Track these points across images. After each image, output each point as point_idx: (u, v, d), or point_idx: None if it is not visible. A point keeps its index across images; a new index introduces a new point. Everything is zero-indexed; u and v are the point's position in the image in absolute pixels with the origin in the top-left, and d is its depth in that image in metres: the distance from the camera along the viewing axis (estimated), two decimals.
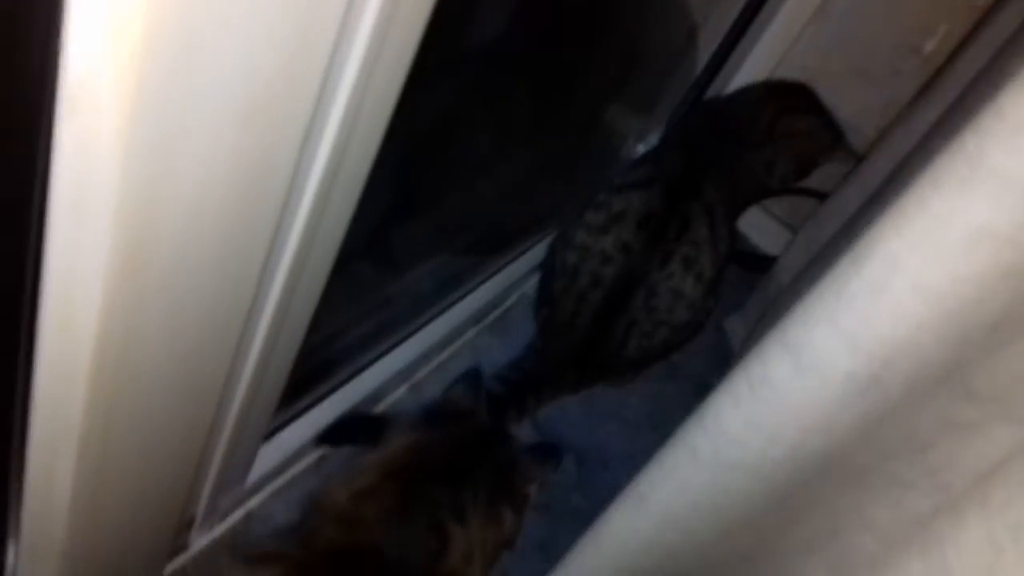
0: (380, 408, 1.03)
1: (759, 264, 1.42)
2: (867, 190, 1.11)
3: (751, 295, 1.37)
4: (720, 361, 1.27)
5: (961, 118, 0.77)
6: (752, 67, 1.42)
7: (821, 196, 1.35)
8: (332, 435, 0.94)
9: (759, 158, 1.24)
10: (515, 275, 1.22)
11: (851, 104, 1.39)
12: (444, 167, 1.16)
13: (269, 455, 0.89)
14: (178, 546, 0.86)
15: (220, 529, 0.90)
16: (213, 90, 0.39)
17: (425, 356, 1.08)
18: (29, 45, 0.37)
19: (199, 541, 0.88)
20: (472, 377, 0.91)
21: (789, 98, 1.31)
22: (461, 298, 1.13)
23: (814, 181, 1.37)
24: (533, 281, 1.24)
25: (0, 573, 0.68)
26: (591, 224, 1.09)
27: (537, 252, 1.25)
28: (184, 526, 0.85)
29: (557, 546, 0.79)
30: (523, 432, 1.08)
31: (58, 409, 0.53)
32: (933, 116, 1.06)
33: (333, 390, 0.95)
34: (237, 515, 0.91)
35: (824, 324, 0.49)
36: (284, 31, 0.40)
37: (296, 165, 0.50)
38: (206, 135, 0.41)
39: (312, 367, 0.93)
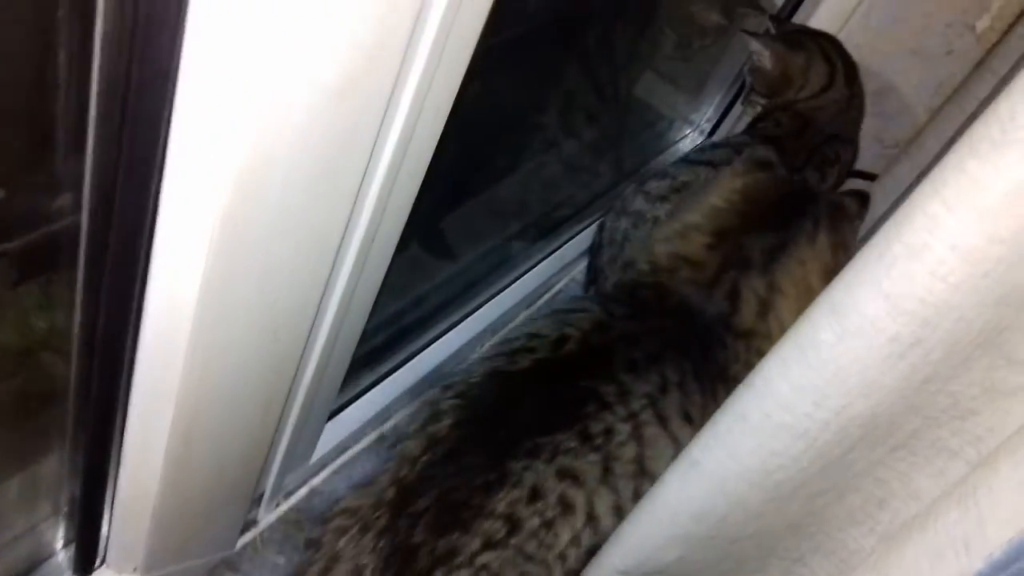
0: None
1: None
2: (917, 170, 1.13)
3: None
4: None
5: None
6: None
7: (872, 178, 1.36)
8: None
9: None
10: (565, 259, 1.27)
11: (904, 84, 1.40)
12: (492, 152, 1.20)
13: (332, 434, 0.94)
14: (248, 521, 0.92)
15: (286, 506, 0.95)
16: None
17: (478, 338, 1.13)
18: None
19: (267, 517, 0.93)
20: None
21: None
22: (513, 282, 1.18)
23: (865, 164, 1.39)
24: (582, 265, 1.28)
25: (95, 539, 0.74)
26: (651, 192, 1.11)
27: (585, 237, 1.29)
28: (254, 502, 0.91)
29: None
30: None
31: (156, 384, 0.58)
32: (984, 93, 1.08)
33: (391, 371, 1.00)
34: (302, 492, 0.96)
35: (868, 286, 0.52)
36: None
37: (370, 151, 0.54)
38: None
39: (371, 350, 0.98)
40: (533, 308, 1.22)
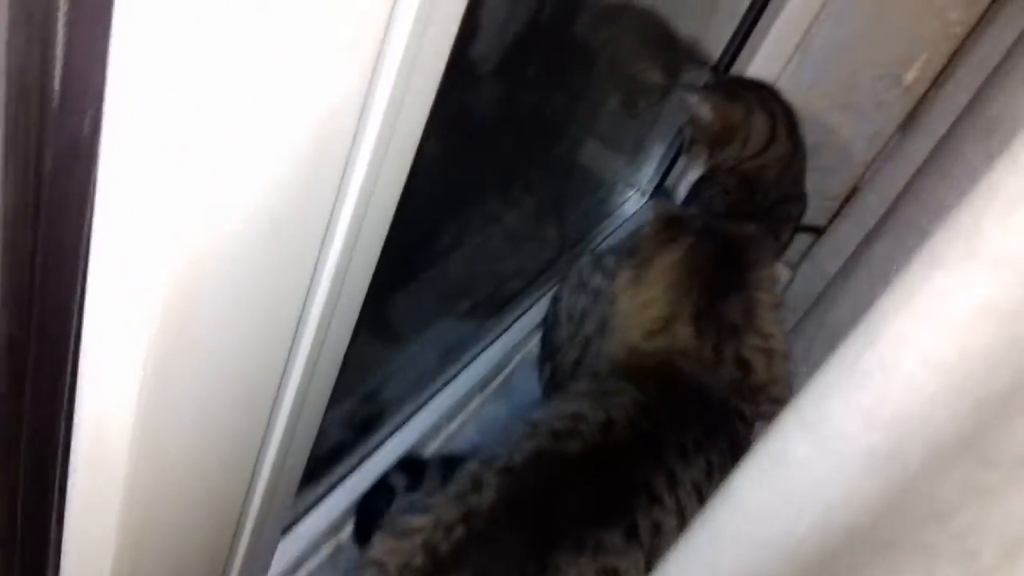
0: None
1: None
2: (863, 227, 1.14)
3: None
4: None
5: (956, 172, 0.80)
6: None
7: (818, 231, 1.38)
8: (360, 533, 0.96)
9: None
10: (516, 337, 1.24)
11: (837, 138, 1.42)
12: (433, 230, 1.17)
13: (287, 550, 0.90)
14: None
15: None
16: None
17: (431, 432, 1.09)
18: None
19: None
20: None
21: None
22: (464, 367, 1.15)
23: (808, 216, 1.40)
24: (533, 342, 1.25)
25: None
26: (608, 267, 1.10)
27: (536, 311, 1.27)
28: None
29: None
30: None
31: (91, 528, 0.54)
32: (924, 150, 1.09)
33: (343, 478, 0.96)
34: None
35: (840, 400, 0.51)
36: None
37: (310, 275, 0.52)
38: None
39: (321, 458, 0.94)
40: (488, 390, 1.19)
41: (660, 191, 1.39)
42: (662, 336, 0.94)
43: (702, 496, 0.79)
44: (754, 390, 0.92)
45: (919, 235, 0.89)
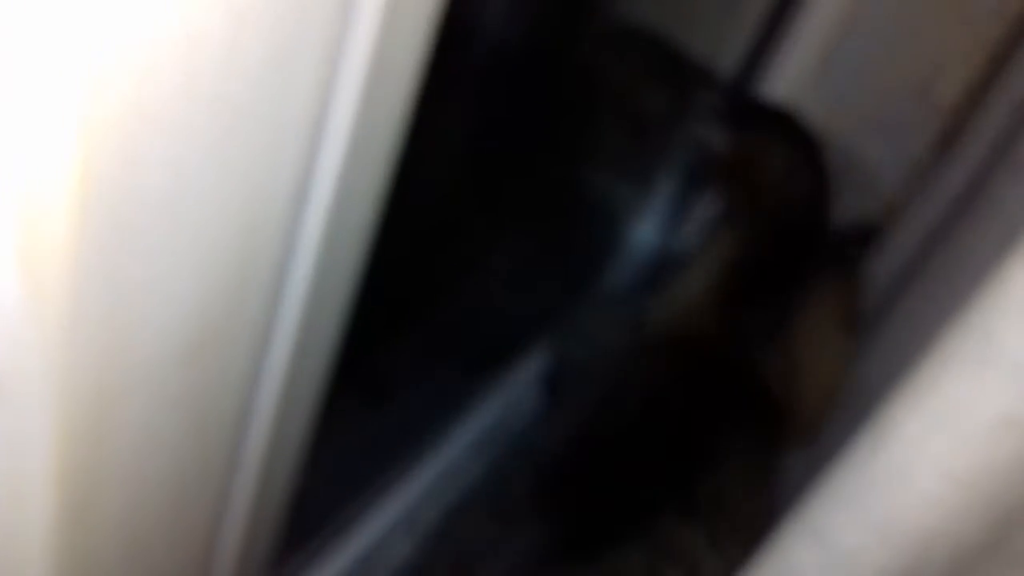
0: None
1: None
2: (892, 267, 1.12)
3: None
4: None
5: (990, 218, 0.78)
6: None
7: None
8: None
9: None
10: (514, 392, 1.23)
11: (865, 159, 1.40)
12: (428, 277, 1.16)
13: None
14: None
15: None
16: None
17: (429, 499, 1.08)
18: None
19: None
20: None
21: None
22: (458, 425, 1.13)
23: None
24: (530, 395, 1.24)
25: None
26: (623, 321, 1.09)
27: (535, 361, 1.26)
28: None
29: None
30: None
31: None
32: (958, 181, 1.07)
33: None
34: None
35: (849, 513, 0.49)
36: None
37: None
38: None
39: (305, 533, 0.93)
40: (485, 453, 1.17)
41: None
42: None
43: None
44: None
45: (950, 287, 0.87)
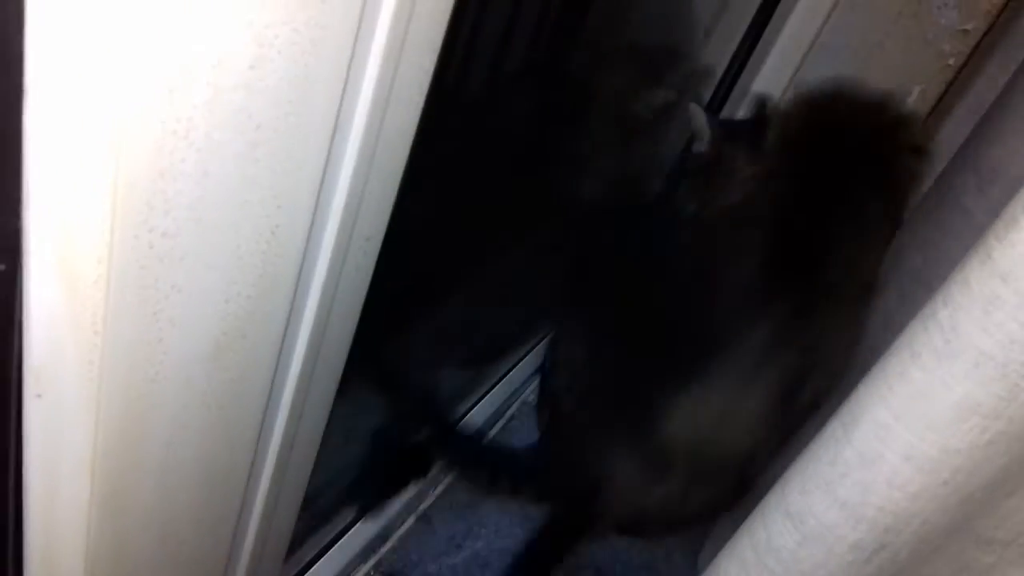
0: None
1: None
2: None
3: None
4: None
5: (958, 224, 0.81)
6: None
7: None
8: None
9: None
10: (514, 384, 1.26)
11: None
12: (431, 272, 1.19)
13: None
14: None
15: None
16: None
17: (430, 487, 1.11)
18: None
19: None
20: None
21: None
22: (463, 416, 1.16)
23: None
24: (533, 386, 1.27)
25: None
26: None
27: (535, 355, 1.29)
28: None
29: None
30: None
31: None
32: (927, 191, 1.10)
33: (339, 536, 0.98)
34: None
35: (822, 493, 0.52)
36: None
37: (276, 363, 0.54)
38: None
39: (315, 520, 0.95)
40: (486, 439, 1.21)
41: None
42: None
43: None
44: None
45: (925, 289, 0.89)
